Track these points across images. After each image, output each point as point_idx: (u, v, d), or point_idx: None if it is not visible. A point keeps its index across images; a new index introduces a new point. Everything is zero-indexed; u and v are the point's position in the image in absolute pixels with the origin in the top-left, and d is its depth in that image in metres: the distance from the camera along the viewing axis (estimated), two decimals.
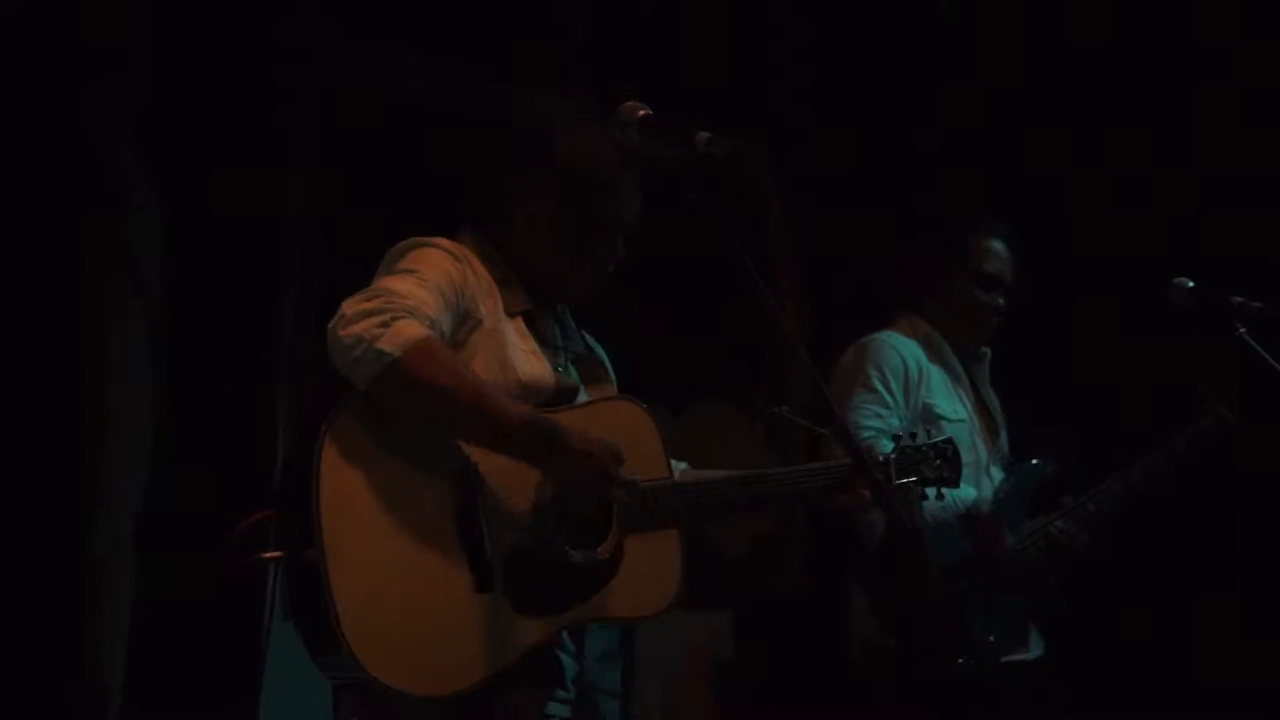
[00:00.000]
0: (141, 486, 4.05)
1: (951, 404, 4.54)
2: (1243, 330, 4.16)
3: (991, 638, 4.28)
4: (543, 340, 3.17)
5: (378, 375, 2.78)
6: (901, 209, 5.56)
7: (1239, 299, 4.21)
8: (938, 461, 3.51)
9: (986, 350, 4.70)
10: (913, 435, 3.55)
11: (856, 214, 5.75)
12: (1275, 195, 5.51)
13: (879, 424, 4.32)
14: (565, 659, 3.06)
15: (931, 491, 3.65)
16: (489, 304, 3.07)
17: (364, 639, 2.75)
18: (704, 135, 2.67)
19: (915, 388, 4.45)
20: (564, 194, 3.15)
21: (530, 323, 3.16)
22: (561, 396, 3.09)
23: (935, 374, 4.52)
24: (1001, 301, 4.58)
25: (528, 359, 3.08)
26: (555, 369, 3.13)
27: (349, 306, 2.85)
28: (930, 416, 4.43)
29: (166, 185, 4.22)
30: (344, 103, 4.86)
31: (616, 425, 3.06)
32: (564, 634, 3.01)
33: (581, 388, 3.19)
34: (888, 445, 4.30)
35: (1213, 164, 5.60)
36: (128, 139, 3.89)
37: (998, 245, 4.59)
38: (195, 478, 4.20)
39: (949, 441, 3.54)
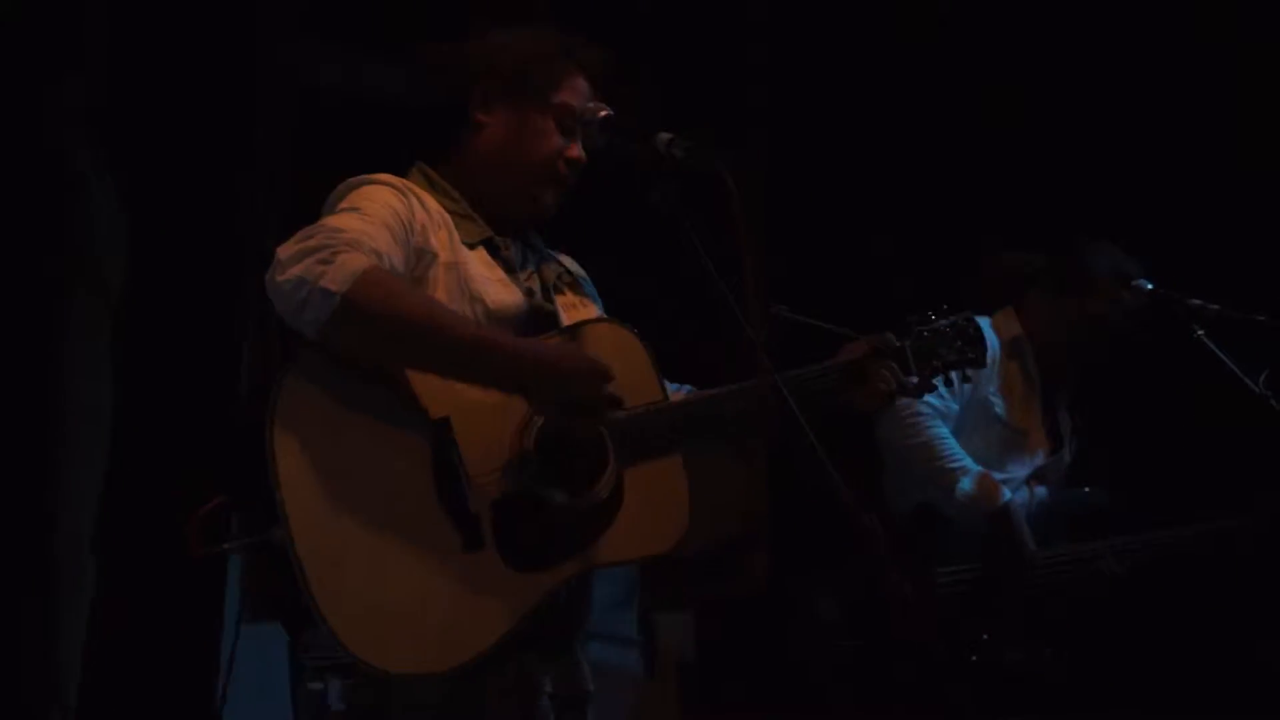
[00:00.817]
0: (100, 488, 4.03)
1: (1014, 412, 4.57)
2: (1201, 333, 4.19)
3: (985, 635, 4.31)
4: (510, 268, 2.98)
5: (328, 317, 2.57)
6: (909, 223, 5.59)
7: (1197, 301, 4.23)
8: (958, 342, 3.23)
9: (1074, 375, 4.71)
10: (929, 315, 3.25)
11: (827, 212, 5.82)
12: (1235, 198, 5.55)
13: (939, 404, 4.35)
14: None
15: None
16: (442, 236, 2.87)
17: (346, 620, 2.56)
18: (665, 136, 2.68)
19: (975, 380, 4.42)
20: (505, 96, 3.00)
21: (494, 251, 2.97)
22: (538, 323, 2.90)
23: (1004, 378, 4.54)
24: (1105, 348, 4.58)
25: (496, 288, 2.89)
26: (527, 293, 2.95)
27: (284, 250, 2.64)
28: (988, 413, 4.50)
29: (127, 183, 4.21)
30: (307, 99, 4.85)
31: (602, 349, 2.84)
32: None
33: (559, 313, 2.98)
34: (939, 426, 4.36)
35: (1173, 167, 5.63)
36: (87, 137, 3.87)
37: (1125, 295, 4.53)
38: (156, 478, 4.18)
39: (969, 319, 3.27)
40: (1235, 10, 5.49)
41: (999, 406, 4.51)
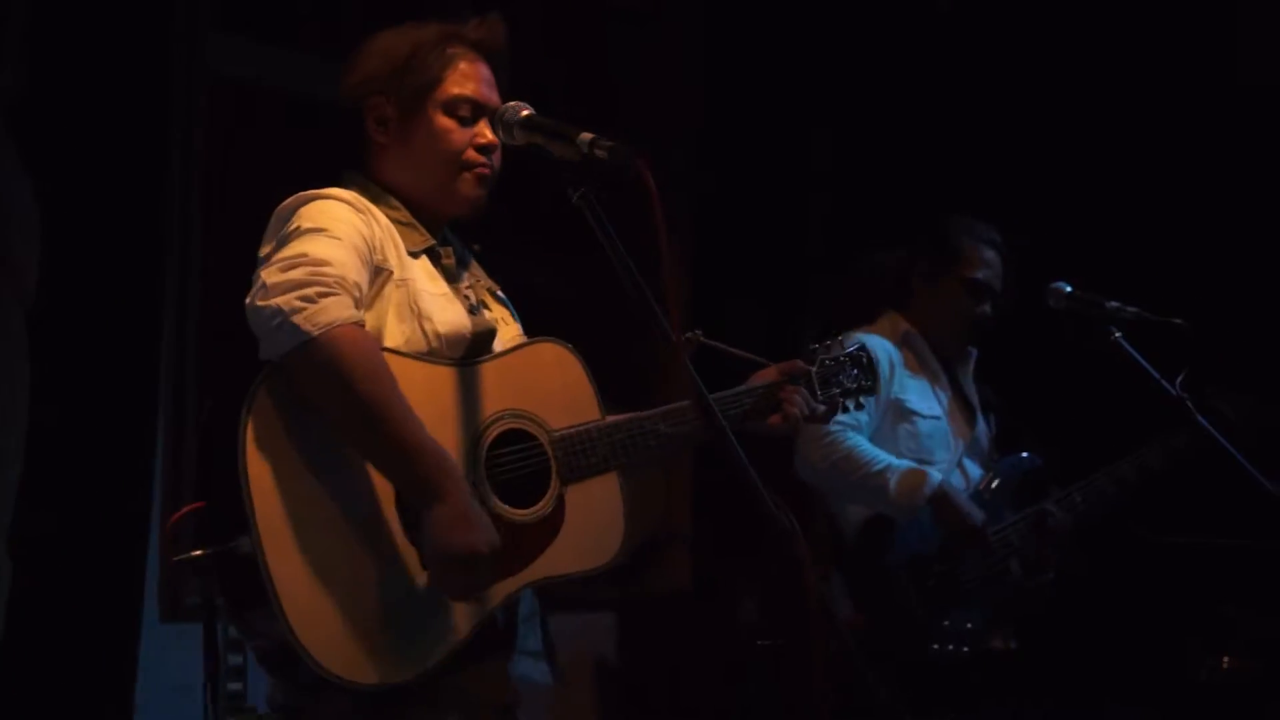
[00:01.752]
0: (15, 490, 3.98)
1: (926, 402, 4.61)
2: (1118, 335, 4.23)
3: (970, 625, 4.34)
4: (451, 278, 3.03)
5: (290, 351, 2.63)
6: (890, 209, 5.61)
7: (1115, 303, 4.27)
8: (854, 370, 3.39)
9: (974, 351, 4.76)
10: (826, 346, 3.39)
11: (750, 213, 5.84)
12: (1151, 200, 5.61)
13: (847, 418, 4.37)
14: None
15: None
16: (392, 251, 2.91)
17: (313, 631, 2.62)
18: (586, 135, 2.66)
19: (887, 384, 4.49)
20: (393, 105, 3.00)
21: (435, 260, 3.01)
22: (479, 341, 2.94)
23: (909, 373, 4.58)
24: (989, 310, 4.64)
25: (441, 304, 2.93)
26: (470, 310, 2.99)
27: (269, 276, 2.69)
28: (902, 411, 4.54)
29: (43, 180, 4.15)
30: (226, 95, 4.81)
31: (543, 370, 2.96)
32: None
33: (495, 329, 3.03)
34: (854, 437, 4.40)
35: (1093, 171, 5.69)
36: (2, 132, 3.82)
37: (990, 254, 4.65)
38: (71, 481, 4.14)
39: (862, 348, 3.43)
40: (1141, 16, 5.56)
41: (911, 402, 4.55)
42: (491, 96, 3.03)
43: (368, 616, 2.68)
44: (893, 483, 4.36)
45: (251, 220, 2.93)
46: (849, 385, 3.37)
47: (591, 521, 2.94)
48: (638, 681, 5.58)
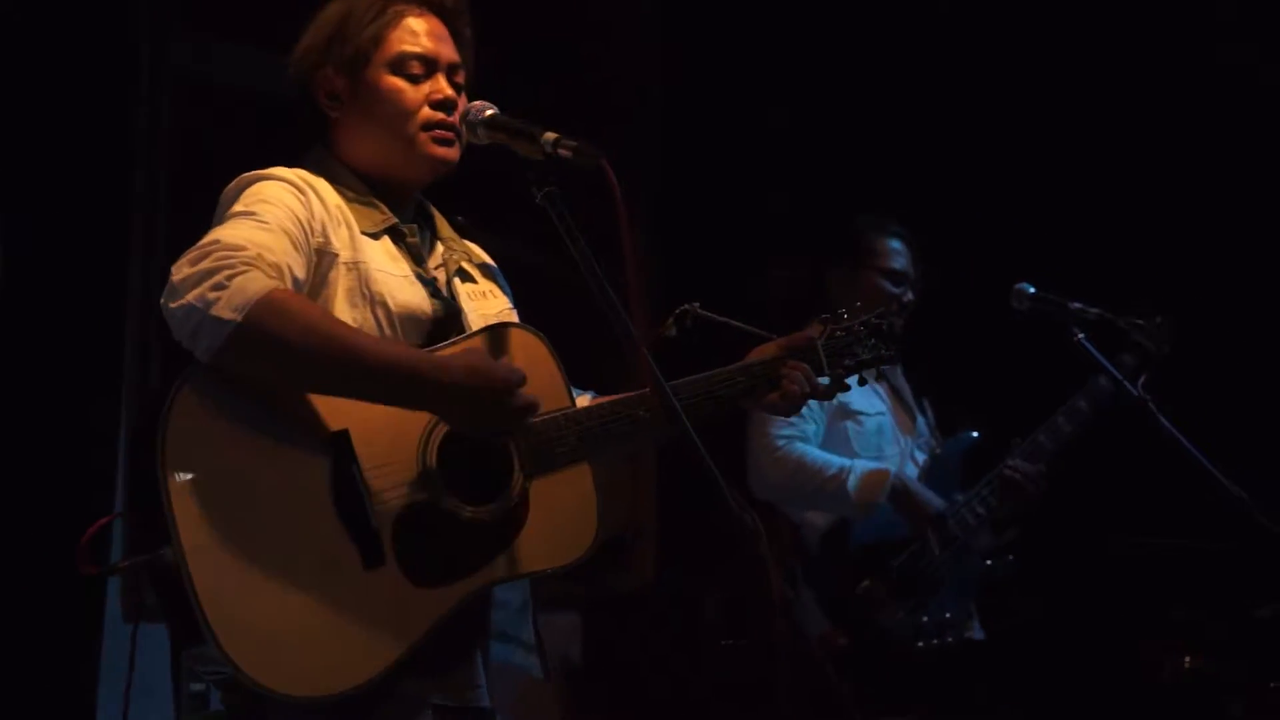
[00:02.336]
0: None
1: (868, 399, 4.66)
2: (1081, 336, 4.25)
3: (948, 614, 4.37)
4: (417, 257, 2.88)
5: (221, 345, 2.46)
6: (799, 218, 5.64)
7: (1078, 305, 4.30)
8: (872, 340, 3.23)
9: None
10: (840, 314, 3.24)
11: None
12: (1117, 202, 5.63)
13: (791, 431, 4.42)
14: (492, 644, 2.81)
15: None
16: (342, 234, 2.76)
17: (242, 643, 2.46)
18: (550, 135, 2.65)
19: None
20: (340, 73, 2.87)
21: (399, 240, 2.86)
22: (442, 324, 2.80)
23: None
24: (909, 296, 4.74)
25: (400, 286, 2.78)
26: (432, 293, 2.83)
27: (177, 272, 2.51)
28: (846, 412, 4.59)
29: (5, 182, 4.14)
30: (190, 96, 4.79)
31: (506, 355, 2.76)
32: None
33: (463, 312, 2.88)
34: (801, 447, 4.40)
35: (1057, 172, 5.71)
36: None
37: (897, 244, 4.78)
38: (33, 480, 4.12)
39: (883, 315, 3.28)
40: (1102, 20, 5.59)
41: (853, 403, 4.60)
42: (444, 50, 2.90)
43: (307, 623, 2.52)
44: (851, 483, 4.41)
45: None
46: (865, 356, 3.23)
47: (561, 516, 2.77)
48: (602, 680, 5.58)
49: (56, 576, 3.97)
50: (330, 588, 2.55)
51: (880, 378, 4.70)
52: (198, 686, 3.90)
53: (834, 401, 4.52)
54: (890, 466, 4.50)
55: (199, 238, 2.61)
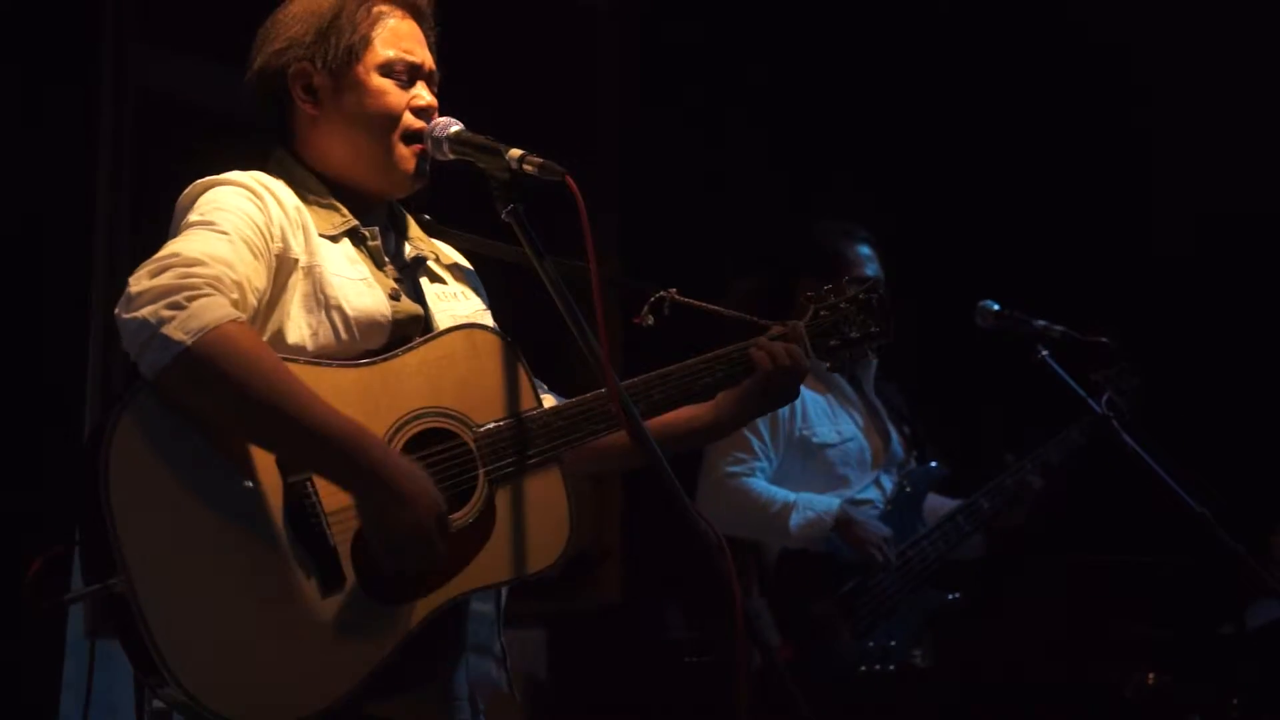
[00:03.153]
0: None
1: (834, 426, 4.64)
2: (1045, 353, 4.27)
3: (893, 642, 4.37)
4: (378, 261, 2.79)
5: (164, 368, 2.39)
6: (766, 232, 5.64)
7: (1042, 322, 4.32)
8: (861, 316, 3.10)
9: (873, 358, 4.77)
10: (823, 294, 3.11)
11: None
12: (1079, 221, 5.66)
13: (740, 467, 4.42)
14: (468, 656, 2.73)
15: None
16: (300, 237, 2.68)
17: (198, 674, 2.38)
18: (515, 151, 2.64)
19: (784, 424, 4.54)
20: (321, 72, 2.80)
21: (359, 243, 2.78)
22: (404, 326, 2.71)
23: (812, 401, 4.59)
24: None
25: (358, 289, 2.70)
26: (392, 295, 2.74)
27: (135, 283, 2.45)
28: (808, 447, 4.56)
29: None
30: (155, 109, 4.77)
31: (465, 361, 2.70)
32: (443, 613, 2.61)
33: (428, 313, 2.80)
34: (748, 481, 4.41)
35: (1022, 190, 5.74)
36: None
37: (866, 249, 4.73)
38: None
39: (872, 288, 3.12)
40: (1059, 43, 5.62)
41: (817, 435, 4.58)
42: (425, 57, 2.87)
43: (265, 649, 2.45)
44: (793, 522, 4.40)
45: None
46: (852, 335, 3.10)
47: (531, 522, 2.69)
48: (567, 697, 5.57)
49: (14, 599, 3.95)
50: (289, 610, 2.48)
51: (849, 392, 4.70)
52: (161, 704, 3.87)
53: (796, 435, 4.54)
54: (834, 500, 4.48)
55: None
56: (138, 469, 2.43)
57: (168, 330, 2.40)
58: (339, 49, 2.80)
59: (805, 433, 4.56)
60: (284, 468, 2.53)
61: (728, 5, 5.91)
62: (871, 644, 4.41)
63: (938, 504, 4.71)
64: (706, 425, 3.01)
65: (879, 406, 4.80)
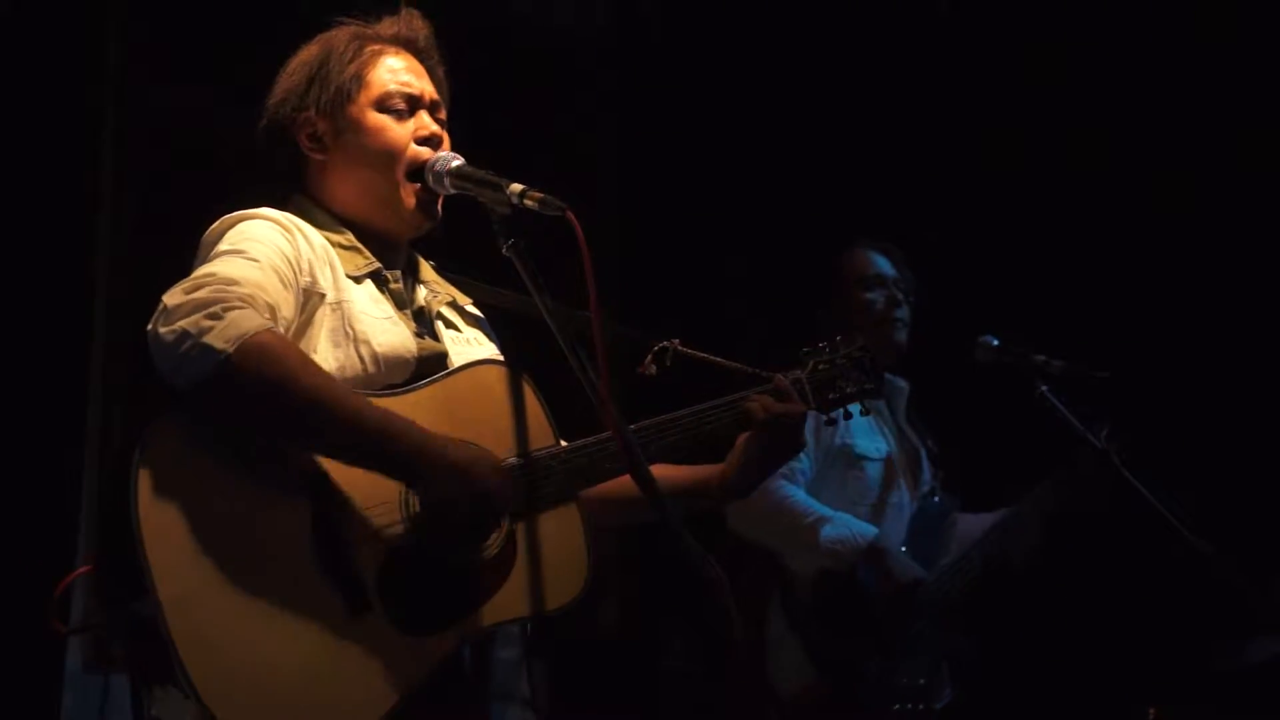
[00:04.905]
0: None
1: (873, 441, 4.61)
2: (1045, 388, 4.26)
3: (922, 680, 4.34)
4: (399, 302, 2.82)
5: (206, 377, 2.40)
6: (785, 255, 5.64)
7: (1042, 357, 4.31)
8: (855, 373, 3.15)
9: (904, 384, 4.77)
10: (820, 348, 3.16)
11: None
12: (1079, 256, 5.66)
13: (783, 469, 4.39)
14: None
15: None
16: (328, 274, 2.71)
17: (225, 699, 2.39)
18: (516, 186, 2.64)
19: (827, 431, 4.45)
20: (321, 115, 2.85)
21: (382, 284, 2.81)
22: (428, 363, 2.73)
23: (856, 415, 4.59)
24: (898, 307, 4.67)
25: (383, 327, 2.72)
26: (416, 333, 2.77)
27: (171, 298, 2.47)
28: (851, 458, 4.54)
29: None
30: (158, 137, 4.78)
31: (485, 395, 2.71)
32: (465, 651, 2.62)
33: (448, 353, 2.81)
34: (787, 488, 4.35)
35: (1020, 226, 5.74)
36: None
37: (873, 254, 4.72)
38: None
39: (864, 349, 3.19)
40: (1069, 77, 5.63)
41: (859, 446, 4.56)
42: (424, 87, 2.90)
43: (291, 676, 2.45)
44: (824, 535, 4.36)
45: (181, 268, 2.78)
46: (849, 390, 3.15)
47: (550, 558, 2.67)
48: None
49: (16, 629, 3.95)
50: (315, 638, 2.47)
51: (886, 414, 4.69)
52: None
53: (838, 443, 4.50)
54: (871, 528, 4.43)
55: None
56: (165, 492, 2.43)
57: (208, 339, 2.41)
58: (331, 92, 2.84)
59: (848, 442, 4.53)
60: (311, 495, 2.52)
61: (725, 42, 5.93)
62: (905, 680, 4.38)
63: (973, 523, 4.67)
64: (714, 485, 2.99)
65: (911, 436, 4.78)
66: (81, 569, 2.60)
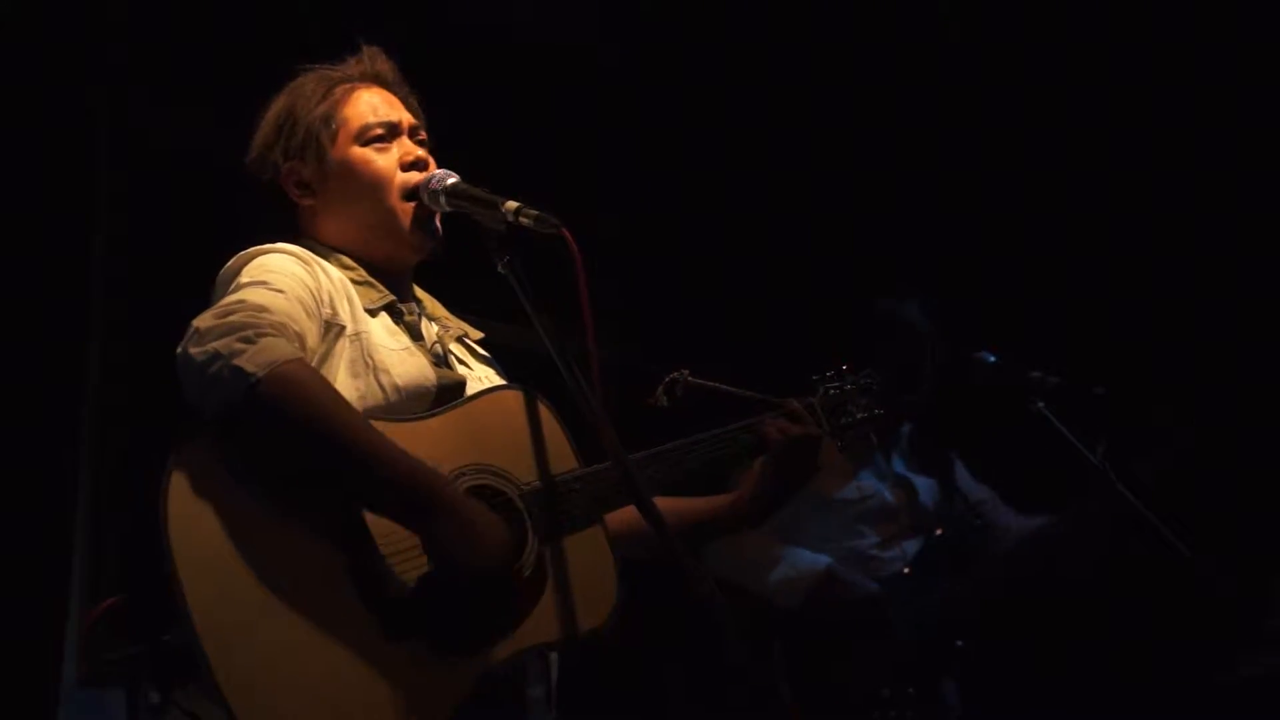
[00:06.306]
0: None
1: (854, 482, 4.62)
2: (1041, 405, 4.26)
3: (910, 689, 4.34)
4: (415, 334, 2.83)
5: (236, 400, 2.39)
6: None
7: (1038, 373, 4.30)
8: (864, 399, 3.21)
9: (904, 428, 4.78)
10: (828, 376, 3.21)
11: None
12: (1074, 272, 5.67)
13: None
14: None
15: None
16: (347, 307, 2.72)
17: None
18: (511, 204, 2.64)
19: None
20: (304, 161, 2.86)
21: (397, 317, 2.82)
22: (446, 395, 2.73)
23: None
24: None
25: (401, 357, 2.73)
26: (434, 363, 2.78)
27: (202, 321, 2.48)
28: (823, 502, 4.54)
29: None
30: (154, 161, 4.79)
31: (508, 419, 2.72)
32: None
33: (465, 382, 2.82)
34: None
35: (1015, 242, 5.75)
36: None
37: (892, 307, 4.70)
38: None
39: (870, 374, 3.25)
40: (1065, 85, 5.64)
41: (837, 491, 4.58)
42: (400, 115, 2.91)
43: (333, 705, 2.43)
44: (771, 577, 4.40)
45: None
46: (858, 414, 3.20)
47: (579, 582, 2.65)
48: None
49: (9, 646, 3.95)
50: (351, 663, 2.46)
51: (883, 447, 4.69)
52: None
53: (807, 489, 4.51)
54: (822, 557, 4.45)
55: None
56: (199, 515, 2.43)
57: (240, 362, 2.40)
58: (300, 135, 2.86)
59: (814, 488, 4.53)
60: (343, 519, 2.51)
61: (728, 73, 5.94)
62: (888, 692, 4.38)
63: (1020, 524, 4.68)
64: (727, 513, 3.03)
65: (904, 472, 4.76)
66: (109, 601, 2.62)
